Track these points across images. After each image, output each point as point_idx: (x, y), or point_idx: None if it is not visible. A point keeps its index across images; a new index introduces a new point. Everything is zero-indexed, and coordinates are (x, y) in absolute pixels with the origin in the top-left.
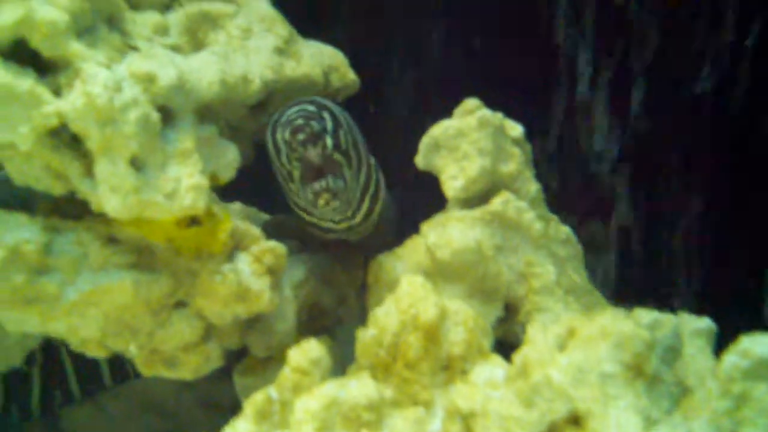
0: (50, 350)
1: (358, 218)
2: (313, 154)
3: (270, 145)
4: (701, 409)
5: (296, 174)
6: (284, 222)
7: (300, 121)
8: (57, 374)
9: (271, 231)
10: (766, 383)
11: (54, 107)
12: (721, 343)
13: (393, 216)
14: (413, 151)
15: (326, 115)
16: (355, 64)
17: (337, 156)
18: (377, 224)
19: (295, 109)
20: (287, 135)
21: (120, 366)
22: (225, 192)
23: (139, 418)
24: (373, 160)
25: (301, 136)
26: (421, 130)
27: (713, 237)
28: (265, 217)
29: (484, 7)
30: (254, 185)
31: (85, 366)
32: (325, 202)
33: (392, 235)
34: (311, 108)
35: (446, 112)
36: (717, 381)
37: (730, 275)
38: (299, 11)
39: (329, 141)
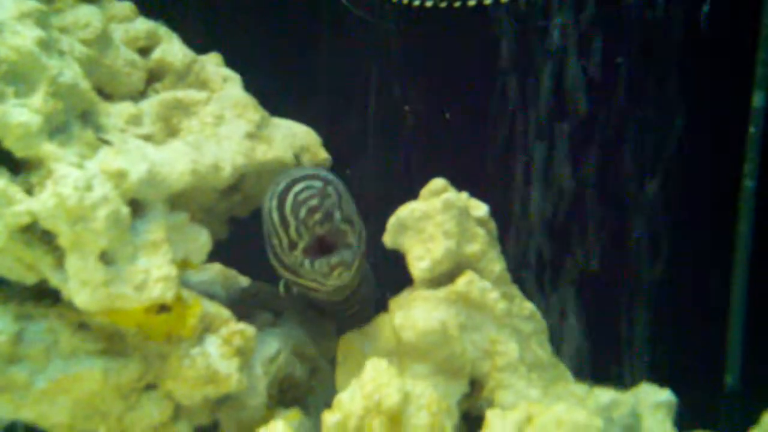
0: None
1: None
2: (325, 229)
3: (275, 217)
4: None
5: (301, 245)
6: (261, 291)
7: (314, 202)
8: None
9: (247, 300)
10: None
11: (26, 206)
12: None
13: (371, 278)
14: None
15: (331, 190)
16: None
17: (342, 226)
18: (359, 284)
19: (301, 185)
20: (302, 214)
21: None
22: None
23: None
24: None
25: (317, 216)
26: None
27: None
28: (244, 280)
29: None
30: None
31: None
32: (338, 274)
33: (370, 298)
34: (317, 184)
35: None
36: None
37: None
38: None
39: (338, 215)
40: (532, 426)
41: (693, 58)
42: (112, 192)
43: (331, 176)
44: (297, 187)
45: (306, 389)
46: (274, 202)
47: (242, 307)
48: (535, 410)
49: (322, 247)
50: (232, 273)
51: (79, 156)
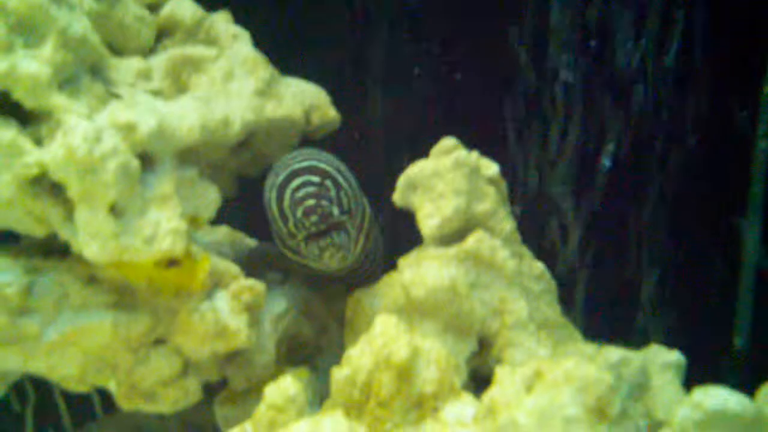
0: (43, 389)
1: (351, 258)
2: (321, 228)
3: (275, 209)
4: None
5: (301, 236)
6: (268, 252)
7: (311, 202)
8: (50, 412)
9: (255, 261)
10: None
11: (35, 157)
12: None
13: (380, 246)
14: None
15: (329, 183)
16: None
17: (341, 218)
18: (365, 257)
19: (298, 181)
20: (299, 214)
21: (111, 396)
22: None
23: None
24: (364, 198)
25: (313, 218)
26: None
27: None
28: (251, 242)
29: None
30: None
31: (77, 401)
32: (330, 255)
33: (378, 264)
34: (315, 179)
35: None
36: (671, 431)
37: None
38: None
39: (335, 210)
40: (541, 381)
41: (709, 19)
42: (121, 144)
43: (330, 167)
44: (294, 183)
45: (314, 349)
46: (273, 194)
47: (250, 266)
48: (545, 366)
49: (323, 232)
50: (240, 235)
51: (88, 108)
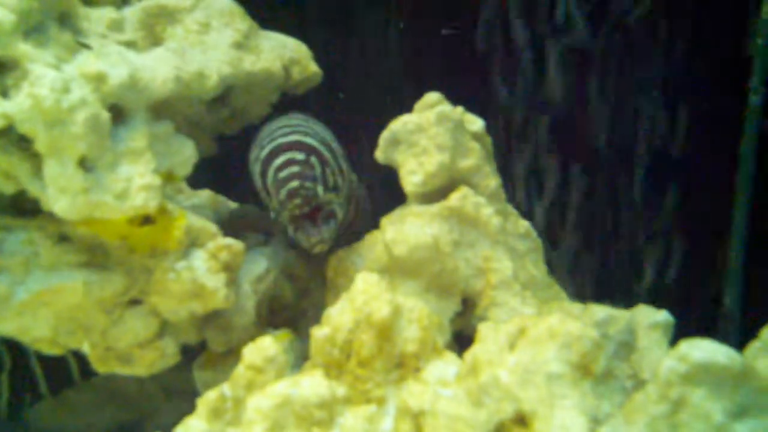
0: (19, 355)
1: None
2: (305, 211)
3: (259, 182)
4: (641, 411)
5: (286, 215)
6: (250, 213)
7: (294, 184)
8: (26, 378)
9: (236, 223)
10: (703, 388)
11: (0, 109)
12: None
13: (367, 208)
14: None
15: (314, 160)
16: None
17: (326, 197)
18: (349, 225)
19: (282, 159)
20: (282, 196)
21: (88, 362)
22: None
23: (102, 409)
24: (347, 164)
25: (297, 201)
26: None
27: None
28: (233, 205)
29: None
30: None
31: (54, 366)
32: (320, 249)
33: (365, 226)
34: (300, 156)
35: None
36: (656, 385)
37: None
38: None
39: (320, 189)
40: (525, 338)
41: None
42: (90, 95)
43: (316, 141)
44: (278, 161)
45: (297, 311)
46: (257, 168)
47: (232, 228)
48: (529, 323)
49: (308, 216)
50: (222, 198)
51: (56, 58)
